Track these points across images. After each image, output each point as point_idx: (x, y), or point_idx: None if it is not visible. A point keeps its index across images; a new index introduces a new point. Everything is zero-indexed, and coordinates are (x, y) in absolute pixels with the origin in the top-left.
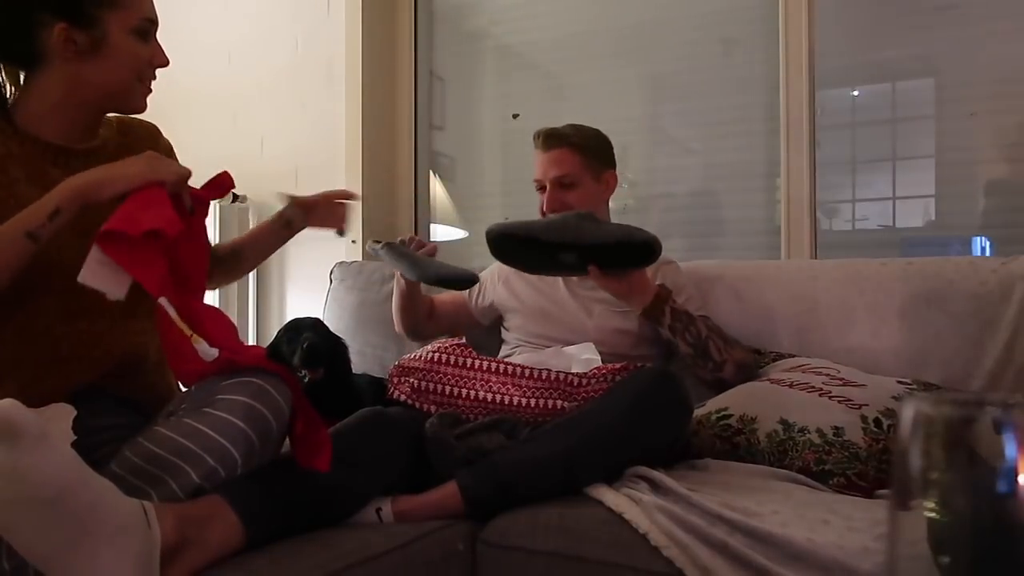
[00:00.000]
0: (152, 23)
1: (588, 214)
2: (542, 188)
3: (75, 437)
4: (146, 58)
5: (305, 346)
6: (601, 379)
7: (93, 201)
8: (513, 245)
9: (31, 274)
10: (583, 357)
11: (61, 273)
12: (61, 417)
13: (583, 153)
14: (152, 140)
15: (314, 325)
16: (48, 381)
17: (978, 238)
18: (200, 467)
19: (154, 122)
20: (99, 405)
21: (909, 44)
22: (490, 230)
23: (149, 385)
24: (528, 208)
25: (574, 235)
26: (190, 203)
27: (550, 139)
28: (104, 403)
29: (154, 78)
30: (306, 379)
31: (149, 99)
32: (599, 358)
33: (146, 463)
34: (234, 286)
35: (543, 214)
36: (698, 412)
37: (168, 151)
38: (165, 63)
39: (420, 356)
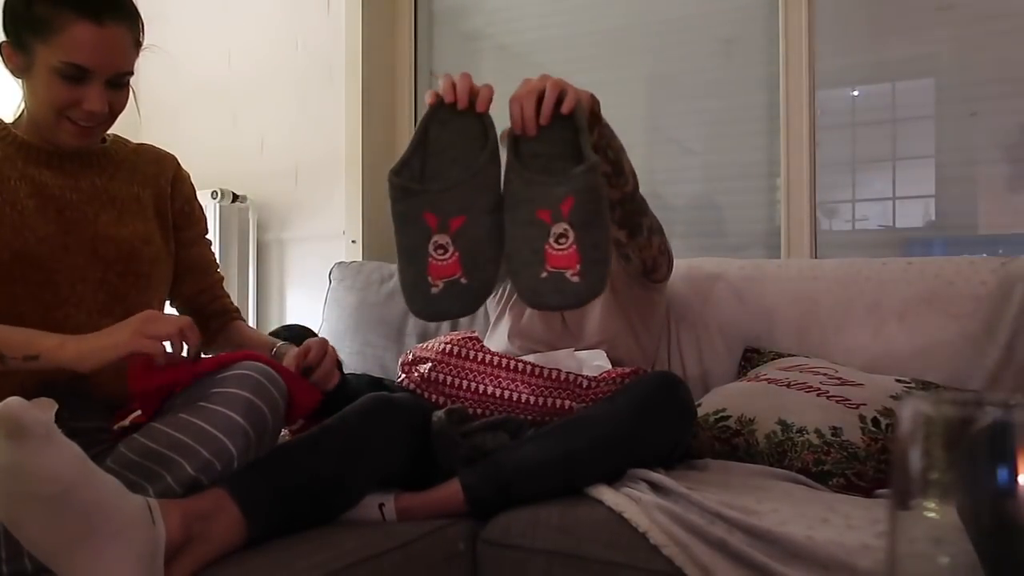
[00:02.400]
0: (80, 69)
1: None
2: None
3: (59, 430)
4: (65, 100)
5: None
6: (610, 382)
7: (75, 369)
8: None
9: (8, 264)
10: (595, 363)
11: (38, 265)
12: (43, 411)
13: None
14: (157, 167)
15: (303, 335)
16: (19, 372)
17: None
18: (195, 460)
19: (154, 121)
20: (81, 407)
21: (909, 44)
22: None
23: (122, 394)
24: None
25: None
26: (193, 353)
27: None
28: (86, 404)
29: (98, 122)
30: None
31: (149, 97)
32: (610, 365)
33: (142, 458)
34: (233, 287)
35: None
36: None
37: (180, 182)
38: (96, 109)
39: (431, 347)
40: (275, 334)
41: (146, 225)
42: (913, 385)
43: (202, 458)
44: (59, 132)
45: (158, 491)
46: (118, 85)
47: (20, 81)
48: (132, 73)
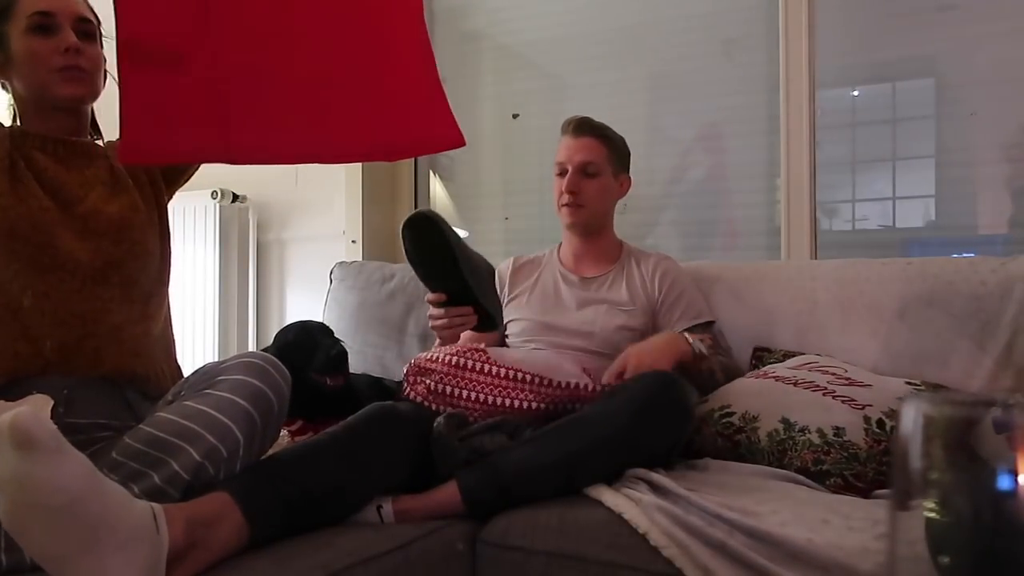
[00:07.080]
0: (46, 15)
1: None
2: (562, 172)
3: (55, 426)
4: (46, 49)
5: (334, 353)
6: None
7: None
8: (432, 244)
9: (15, 222)
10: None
11: (41, 229)
12: (39, 407)
13: (610, 148)
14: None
15: (326, 330)
16: (7, 328)
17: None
18: (200, 445)
19: None
20: (77, 396)
21: (909, 44)
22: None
23: (127, 366)
24: (528, 208)
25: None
26: None
27: (582, 126)
28: (83, 391)
29: (80, 63)
30: (327, 384)
31: None
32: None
33: (148, 447)
34: (234, 287)
35: (558, 200)
36: (701, 409)
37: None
38: (71, 43)
39: (438, 358)
40: (301, 330)
41: (131, 196)
42: (923, 387)
43: (208, 443)
44: (56, 88)
45: (164, 478)
46: (87, 35)
47: (6, 83)
48: (96, 23)
